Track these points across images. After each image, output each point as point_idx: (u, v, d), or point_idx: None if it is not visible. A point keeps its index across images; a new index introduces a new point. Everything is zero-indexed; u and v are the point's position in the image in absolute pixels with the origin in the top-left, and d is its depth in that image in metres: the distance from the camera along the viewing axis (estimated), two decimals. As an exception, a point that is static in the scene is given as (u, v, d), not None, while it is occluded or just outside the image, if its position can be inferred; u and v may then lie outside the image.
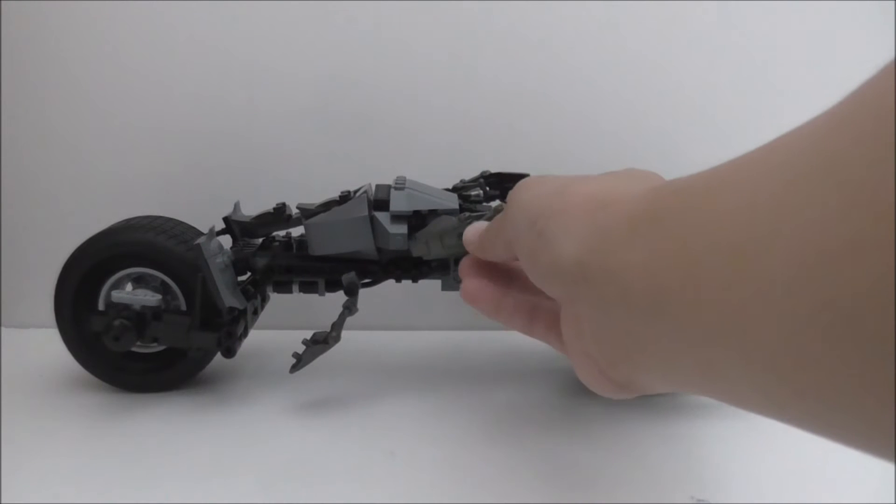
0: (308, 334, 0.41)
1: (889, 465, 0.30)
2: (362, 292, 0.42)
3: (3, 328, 0.56)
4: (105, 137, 0.55)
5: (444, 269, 0.43)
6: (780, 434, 0.38)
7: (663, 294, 0.16)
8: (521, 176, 0.45)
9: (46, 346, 0.46)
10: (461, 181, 0.46)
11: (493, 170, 0.47)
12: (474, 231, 0.30)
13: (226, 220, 0.45)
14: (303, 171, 0.55)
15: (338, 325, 0.41)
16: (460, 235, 0.37)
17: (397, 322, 0.57)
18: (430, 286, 0.45)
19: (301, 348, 0.41)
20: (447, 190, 0.45)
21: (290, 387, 0.44)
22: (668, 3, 0.53)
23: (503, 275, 0.30)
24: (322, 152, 0.55)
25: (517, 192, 0.25)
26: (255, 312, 0.45)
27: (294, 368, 0.41)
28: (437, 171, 0.48)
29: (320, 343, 0.41)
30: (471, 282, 0.30)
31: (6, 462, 0.35)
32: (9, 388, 0.44)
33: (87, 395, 0.43)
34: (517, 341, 0.43)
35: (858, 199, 0.11)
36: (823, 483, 0.33)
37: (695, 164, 0.19)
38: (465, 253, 0.31)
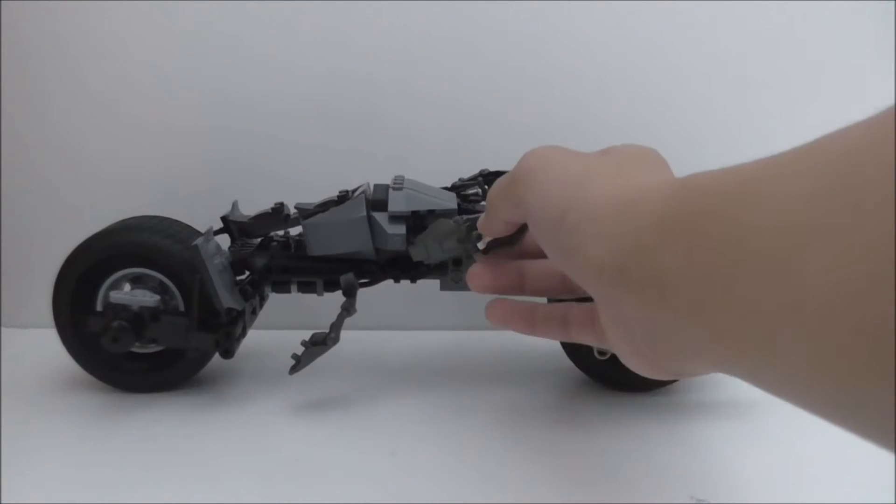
0: (307, 334, 0.41)
1: (889, 466, 0.30)
2: (361, 292, 0.42)
3: (3, 328, 0.57)
4: (105, 138, 0.55)
5: (441, 269, 0.42)
6: (781, 434, 0.38)
7: (698, 300, 0.17)
8: None
9: (46, 346, 0.46)
10: (459, 179, 0.46)
11: (492, 168, 0.46)
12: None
13: (224, 219, 0.45)
14: (301, 171, 0.55)
15: (336, 327, 0.41)
16: (459, 240, 0.37)
17: (396, 322, 0.56)
18: (428, 286, 0.45)
19: (300, 349, 0.41)
20: (445, 188, 0.45)
21: (289, 387, 0.44)
22: (668, 1, 0.53)
23: (514, 276, 0.30)
24: (320, 151, 0.55)
25: (534, 173, 0.25)
26: (254, 313, 0.45)
27: (293, 370, 0.41)
28: (435, 169, 0.48)
29: (319, 344, 0.41)
30: (499, 304, 0.30)
31: (6, 462, 0.35)
32: (9, 388, 0.44)
33: (87, 396, 0.43)
34: (517, 341, 0.43)
35: (886, 227, 0.11)
36: (823, 483, 0.33)
37: (700, 163, 0.19)
38: (466, 254, 0.31)
